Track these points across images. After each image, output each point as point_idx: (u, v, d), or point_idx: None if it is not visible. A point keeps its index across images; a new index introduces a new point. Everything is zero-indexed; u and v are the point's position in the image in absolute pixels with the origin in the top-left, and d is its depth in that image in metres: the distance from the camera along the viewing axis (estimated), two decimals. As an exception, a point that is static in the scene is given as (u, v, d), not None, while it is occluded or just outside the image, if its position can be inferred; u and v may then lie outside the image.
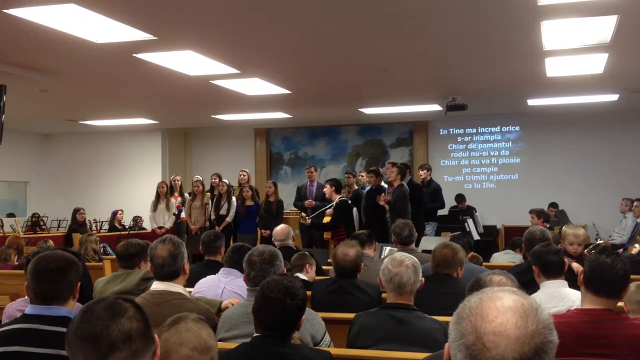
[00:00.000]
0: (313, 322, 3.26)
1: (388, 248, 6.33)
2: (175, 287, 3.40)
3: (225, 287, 4.16)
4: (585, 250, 5.55)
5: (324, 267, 6.16)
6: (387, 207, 8.72)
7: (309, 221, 9.52)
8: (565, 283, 3.79)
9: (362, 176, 10.79)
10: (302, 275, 4.78)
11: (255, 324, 2.68)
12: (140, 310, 1.74)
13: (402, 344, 3.09)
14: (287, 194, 12.10)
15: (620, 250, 9.31)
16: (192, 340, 2.09)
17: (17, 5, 5.39)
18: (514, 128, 13.43)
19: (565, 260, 3.95)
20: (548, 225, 7.63)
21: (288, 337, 2.66)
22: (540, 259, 3.86)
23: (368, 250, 5.46)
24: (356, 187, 10.50)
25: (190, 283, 4.34)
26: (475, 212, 12.10)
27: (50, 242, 7.02)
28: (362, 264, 4.35)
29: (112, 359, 1.63)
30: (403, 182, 8.76)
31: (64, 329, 2.55)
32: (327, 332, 3.35)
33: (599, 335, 2.77)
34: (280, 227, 6.33)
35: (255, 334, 2.67)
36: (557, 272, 3.82)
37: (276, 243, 6.16)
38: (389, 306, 3.28)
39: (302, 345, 2.69)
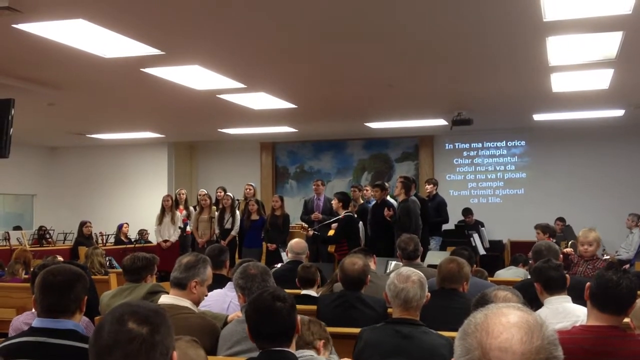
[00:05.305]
0: None
1: (393, 263, 6.30)
2: (183, 301, 3.41)
3: (231, 301, 4.16)
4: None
5: (329, 281, 6.14)
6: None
7: (311, 233, 9.49)
8: (569, 298, 3.77)
9: (367, 190, 10.75)
10: (312, 292, 4.79)
11: (256, 340, 2.68)
12: None
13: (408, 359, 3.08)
14: (292, 207, 12.07)
15: (627, 266, 9.26)
16: (179, 357, 2.13)
17: (26, 20, 5.43)
18: (519, 143, 13.42)
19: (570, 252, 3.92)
20: (554, 240, 7.60)
21: (288, 345, 2.65)
22: (541, 276, 3.85)
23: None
24: (362, 201, 10.47)
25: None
26: (482, 226, 12.05)
27: (59, 258, 6.93)
28: (369, 276, 4.35)
29: None
30: (407, 197, 8.62)
31: (70, 342, 2.58)
32: None
33: (605, 352, 2.76)
34: (296, 241, 6.31)
35: (260, 351, 2.67)
36: (559, 287, 3.81)
37: (289, 255, 6.16)
38: (395, 321, 3.28)
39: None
